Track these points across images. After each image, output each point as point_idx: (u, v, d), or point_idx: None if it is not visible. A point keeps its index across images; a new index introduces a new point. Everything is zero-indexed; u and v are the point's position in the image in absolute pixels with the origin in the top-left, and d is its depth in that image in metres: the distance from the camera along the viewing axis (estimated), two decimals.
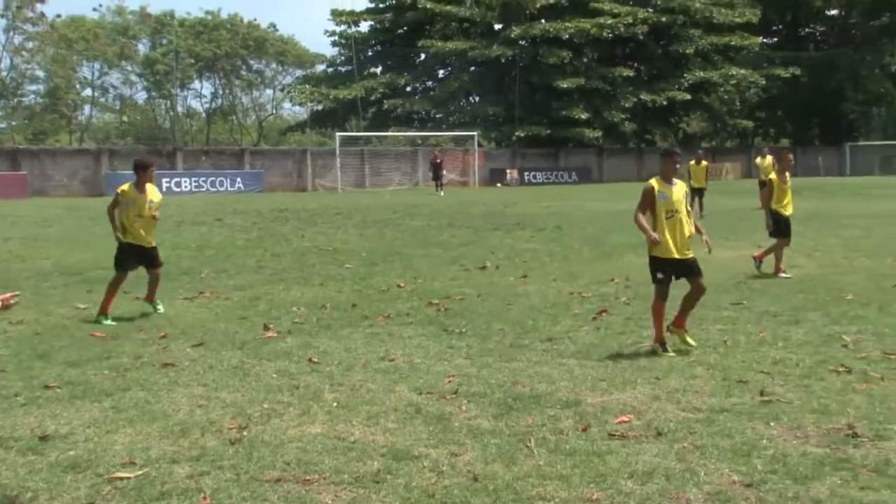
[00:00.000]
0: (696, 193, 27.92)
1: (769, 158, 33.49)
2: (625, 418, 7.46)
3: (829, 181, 59.82)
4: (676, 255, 9.99)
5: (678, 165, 10.30)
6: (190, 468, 6.39)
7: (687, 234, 10.08)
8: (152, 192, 13.07)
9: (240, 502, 5.73)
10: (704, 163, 30.95)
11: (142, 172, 12.91)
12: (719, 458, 6.53)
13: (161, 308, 13.20)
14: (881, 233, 23.05)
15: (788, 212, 16.32)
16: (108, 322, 12.18)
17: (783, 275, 15.60)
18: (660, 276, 10.15)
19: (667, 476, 6.16)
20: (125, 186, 13.04)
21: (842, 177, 69.16)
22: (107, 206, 13.34)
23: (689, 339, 10.19)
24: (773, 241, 16.11)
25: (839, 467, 6.35)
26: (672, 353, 9.81)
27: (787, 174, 16.65)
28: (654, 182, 10.17)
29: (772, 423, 7.33)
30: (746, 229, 24.08)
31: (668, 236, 9.94)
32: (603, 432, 7.12)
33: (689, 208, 10.21)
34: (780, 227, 16.12)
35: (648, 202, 10.07)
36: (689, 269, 10.13)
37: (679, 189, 10.18)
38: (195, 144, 71.12)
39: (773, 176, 16.81)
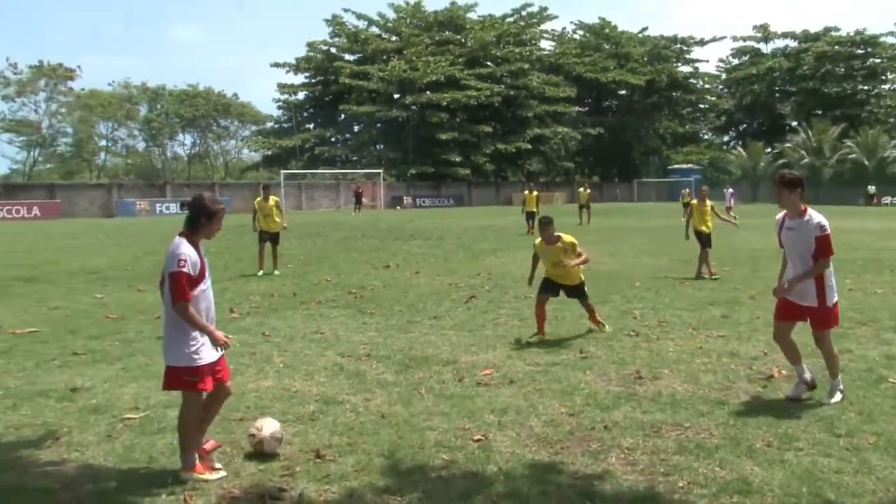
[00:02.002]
0: (530, 217, 27.15)
1: (587, 189, 34.45)
2: (487, 371, 7.54)
3: (624, 205, 61.21)
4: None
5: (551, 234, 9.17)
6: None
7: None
8: (273, 201, 16.40)
9: (214, 435, 5.67)
10: (536, 192, 29.04)
11: (265, 191, 16.59)
12: (552, 397, 6.68)
13: (277, 272, 16.07)
14: (659, 240, 23.70)
15: (707, 229, 15.07)
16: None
17: (714, 276, 14.46)
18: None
19: (517, 410, 6.29)
20: (259, 199, 16.50)
21: (632, 202, 70.79)
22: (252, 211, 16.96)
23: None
24: (700, 253, 14.87)
25: (630, 399, 6.56)
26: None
27: (706, 201, 15.39)
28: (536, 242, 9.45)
29: (587, 372, 7.51)
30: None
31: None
32: (473, 382, 7.20)
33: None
34: (702, 240, 14.93)
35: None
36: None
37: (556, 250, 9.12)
38: (179, 179, 69.62)
39: (694, 202, 15.85)
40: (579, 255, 9.12)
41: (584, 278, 9.45)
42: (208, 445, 5.07)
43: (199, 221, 4.84)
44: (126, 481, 4.91)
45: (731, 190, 41.00)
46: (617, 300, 12.02)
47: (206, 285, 4.92)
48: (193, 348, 4.79)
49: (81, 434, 5.82)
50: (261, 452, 5.28)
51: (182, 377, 4.81)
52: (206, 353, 4.86)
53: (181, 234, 4.82)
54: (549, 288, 9.37)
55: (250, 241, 24.11)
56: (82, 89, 72.35)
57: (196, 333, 4.78)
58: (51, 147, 73.42)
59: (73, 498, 4.66)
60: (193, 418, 4.95)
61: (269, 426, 5.35)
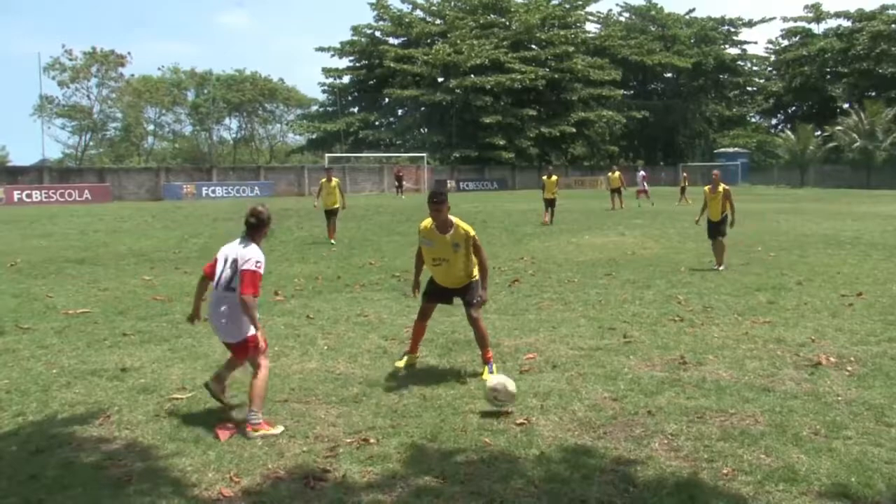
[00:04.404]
0: (549, 203, 24.52)
1: (617, 173, 33.70)
2: (531, 356, 7.52)
3: (669, 190, 60.41)
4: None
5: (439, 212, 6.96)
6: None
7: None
8: (335, 182, 19.10)
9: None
10: (554, 177, 25.36)
11: (328, 173, 19.72)
12: (595, 381, 6.65)
13: (333, 242, 18.33)
14: (703, 224, 23.30)
15: (714, 218, 13.95)
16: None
17: (719, 268, 13.46)
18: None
19: (559, 395, 6.27)
20: (323, 180, 19.32)
21: (677, 186, 69.84)
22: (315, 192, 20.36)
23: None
24: (713, 242, 14.01)
25: (674, 385, 6.50)
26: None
27: (720, 187, 13.92)
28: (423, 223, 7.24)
29: (630, 357, 7.46)
30: (612, 223, 24.35)
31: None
32: (516, 366, 7.20)
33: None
34: (712, 230, 14.02)
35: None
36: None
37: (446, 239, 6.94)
38: (225, 163, 70.39)
39: (706, 189, 14.28)
40: (476, 253, 7.00)
41: (475, 276, 7.07)
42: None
43: (262, 232, 5.88)
44: (174, 459, 5.01)
45: (642, 173, 38.24)
46: (661, 284, 11.89)
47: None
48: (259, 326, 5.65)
49: (131, 413, 5.95)
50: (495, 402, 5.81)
51: (257, 345, 5.57)
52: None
53: (249, 239, 5.78)
54: (436, 294, 7.27)
55: (294, 225, 24.42)
56: (132, 75, 73.52)
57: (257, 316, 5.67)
58: (101, 132, 74.69)
59: (124, 474, 4.77)
60: (266, 378, 5.70)
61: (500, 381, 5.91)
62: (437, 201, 6.90)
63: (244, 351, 5.68)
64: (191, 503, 4.41)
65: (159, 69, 79.43)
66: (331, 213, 18.88)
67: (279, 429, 5.49)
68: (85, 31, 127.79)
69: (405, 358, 7.24)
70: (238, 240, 5.83)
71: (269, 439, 5.29)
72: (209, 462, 4.94)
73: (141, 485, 4.63)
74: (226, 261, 5.74)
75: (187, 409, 6.02)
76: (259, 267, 5.60)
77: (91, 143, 75.64)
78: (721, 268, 13.51)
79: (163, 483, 4.65)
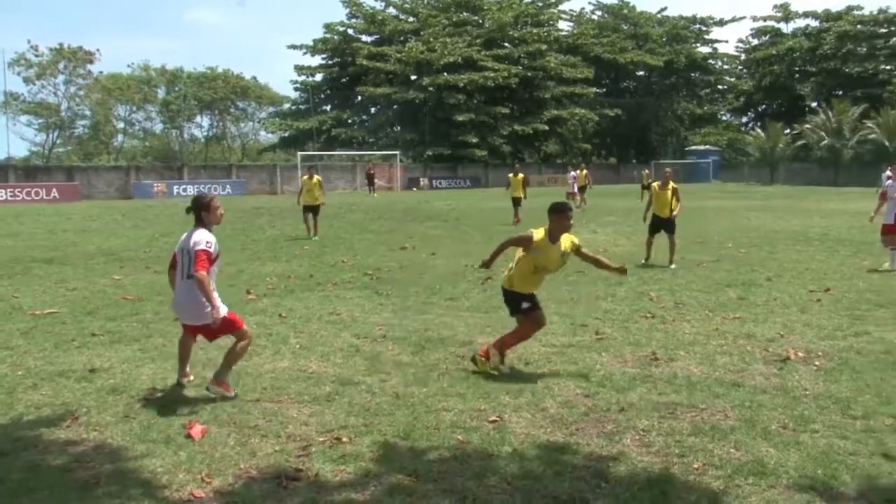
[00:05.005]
0: (515, 202, 23.94)
1: (584, 171, 33.55)
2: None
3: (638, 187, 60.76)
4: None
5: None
6: (195, 392, 6.36)
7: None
8: (316, 180, 19.98)
9: (232, 416, 5.73)
10: (521, 175, 24.69)
11: (310, 171, 21.73)
12: (567, 378, 6.67)
13: (317, 238, 19.07)
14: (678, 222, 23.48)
15: (663, 215, 14.30)
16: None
17: (672, 266, 13.61)
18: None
19: (532, 392, 6.28)
20: (305, 177, 20.50)
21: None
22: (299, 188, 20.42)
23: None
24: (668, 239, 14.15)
25: (645, 381, 6.55)
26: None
27: (669, 183, 14.30)
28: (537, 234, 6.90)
29: (602, 354, 7.51)
30: (585, 220, 24.46)
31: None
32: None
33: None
34: (663, 226, 14.30)
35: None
36: None
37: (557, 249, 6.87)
38: (197, 162, 69.82)
39: (655, 185, 14.67)
40: (586, 256, 7.15)
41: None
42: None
43: (201, 215, 6.18)
44: (143, 460, 4.96)
45: (573, 173, 35.63)
46: (633, 281, 11.96)
47: (217, 267, 6.25)
48: (218, 303, 6.02)
49: (100, 414, 5.88)
50: None
51: (226, 324, 6.11)
52: (223, 305, 6.16)
53: (197, 225, 6.16)
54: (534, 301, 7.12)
55: (266, 224, 24.27)
56: (101, 72, 72.63)
57: (214, 294, 6.00)
58: (69, 130, 73.70)
59: (92, 476, 4.71)
60: (246, 348, 6.34)
61: None
62: (570, 211, 6.93)
63: (223, 328, 6.13)
64: None
65: (129, 66, 78.69)
66: (313, 210, 19.72)
67: (233, 393, 6.14)
68: (52, 28, 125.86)
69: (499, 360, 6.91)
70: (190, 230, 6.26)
71: (241, 438, 5.26)
72: (180, 463, 4.89)
73: (109, 487, 4.57)
74: (182, 252, 6.16)
75: (158, 409, 5.96)
76: (209, 246, 6.01)
77: (59, 141, 74.60)
78: (673, 266, 13.64)
79: (132, 485, 4.60)
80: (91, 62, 69.79)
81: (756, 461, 4.79)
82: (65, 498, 4.43)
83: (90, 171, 50.39)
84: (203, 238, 6.04)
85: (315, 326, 8.97)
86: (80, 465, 4.87)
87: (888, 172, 25.54)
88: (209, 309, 5.96)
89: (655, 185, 14.80)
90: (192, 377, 6.65)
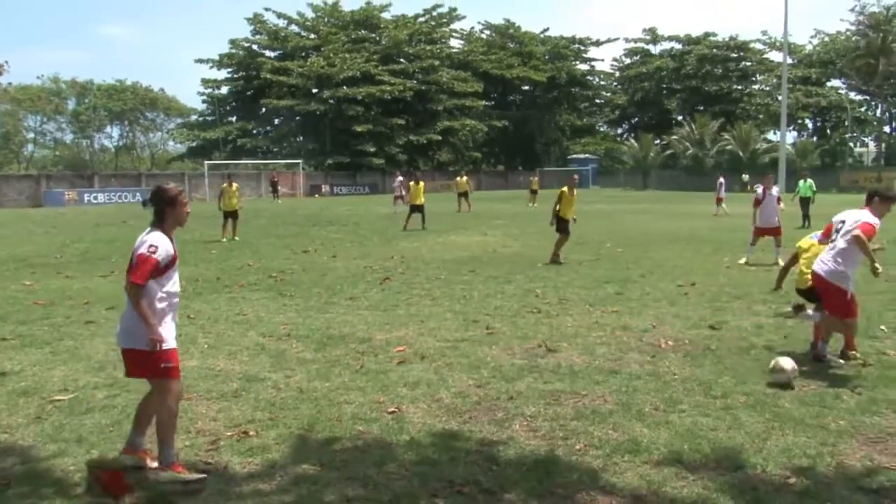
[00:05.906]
0: (417, 210, 22.98)
1: (465, 178, 34.39)
2: (401, 348, 7.54)
3: (525, 192, 61.94)
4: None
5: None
6: (107, 392, 6.13)
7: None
8: (234, 187, 20.97)
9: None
10: (422, 183, 24.08)
11: (229, 179, 21.93)
12: (460, 370, 6.75)
13: (237, 238, 19.74)
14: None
15: (572, 216, 14.96)
16: None
17: (561, 261, 14.24)
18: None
19: (428, 384, 6.33)
20: (225, 185, 21.21)
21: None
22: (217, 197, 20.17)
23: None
24: (559, 236, 14.77)
25: (532, 371, 6.69)
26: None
27: (574, 190, 14.99)
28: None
29: (493, 347, 7.61)
30: (476, 223, 24.73)
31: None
32: (387, 358, 7.20)
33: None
34: (563, 227, 14.83)
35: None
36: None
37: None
38: (107, 171, 67.06)
39: (564, 189, 14.99)
40: None
41: None
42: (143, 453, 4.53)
43: (165, 212, 4.47)
44: (55, 460, 4.73)
45: (400, 178, 34.89)
46: (521, 279, 12.19)
47: (176, 274, 4.55)
48: (160, 329, 4.36)
49: (11, 416, 5.57)
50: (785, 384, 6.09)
51: (158, 363, 4.36)
52: (171, 337, 4.45)
53: (154, 225, 4.47)
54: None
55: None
56: (10, 83, 68.77)
57: (162, 317, 4.41)
58: None
59: (2, 478, 4.46)
60: (175, 407, 4.47)
61: (788, 363, 6.17)
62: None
63: (153, 365, 4.39)
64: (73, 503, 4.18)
65: (38, 78, 74.81)
66: (233, 215, 20.27)
67: (196, 476, 4.39)
68: None
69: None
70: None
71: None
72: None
73: (21, 488, 4.34)
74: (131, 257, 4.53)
75: (69, 410, 5.68)
76: (153, 252, 4.30)
77: None
78: (563, 260, 14.31)
79: (44, 484, 4.38)
80: (0, 74, 65.99)
81: (631, 440, 4.98)
82: None
83: (0, 180, 47.87)
84: (149, 240, 4.35)
85: (222, 327, 8.75)
86: None
87: (722, 181, 30.03)
88: (144, 335, 4.30)
89: (564, 189, 15.00)
90: (153, 461, 4.50)
